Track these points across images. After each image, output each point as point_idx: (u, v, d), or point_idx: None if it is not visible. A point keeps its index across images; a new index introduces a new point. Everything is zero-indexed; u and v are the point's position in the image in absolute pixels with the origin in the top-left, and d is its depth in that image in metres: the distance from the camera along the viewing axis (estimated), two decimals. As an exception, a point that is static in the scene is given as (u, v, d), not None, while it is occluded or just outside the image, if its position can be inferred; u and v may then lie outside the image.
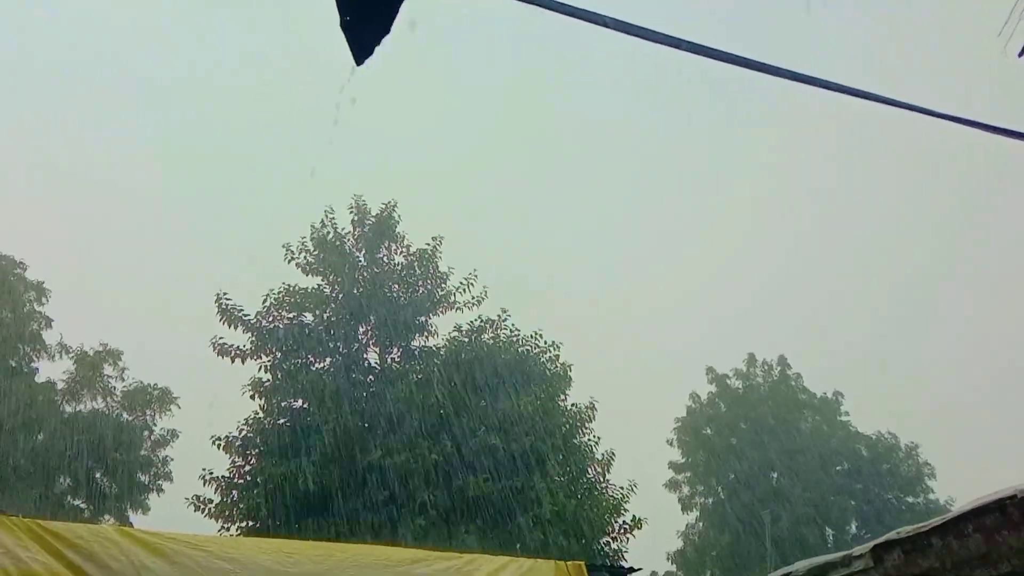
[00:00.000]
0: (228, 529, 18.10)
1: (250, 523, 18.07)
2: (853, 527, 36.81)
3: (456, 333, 19.59)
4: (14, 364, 23.31)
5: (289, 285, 19.40)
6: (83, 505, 23.25)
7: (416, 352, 19.78)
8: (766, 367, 40.11)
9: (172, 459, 24.52)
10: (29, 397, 22.31)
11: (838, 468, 37.87)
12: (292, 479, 17.54)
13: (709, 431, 39.07)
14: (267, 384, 19.01)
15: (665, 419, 40.65)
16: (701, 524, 38.14)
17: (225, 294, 18.84)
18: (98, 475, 23.08)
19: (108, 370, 24.51)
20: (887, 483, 37.66)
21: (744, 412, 38.74)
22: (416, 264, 19.96)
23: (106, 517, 23.10)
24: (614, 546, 18.88)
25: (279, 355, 18.95)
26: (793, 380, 39.85)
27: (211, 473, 18.30)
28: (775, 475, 37.60)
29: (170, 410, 24.36)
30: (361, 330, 19.73)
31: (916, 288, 61.11)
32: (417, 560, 6.80)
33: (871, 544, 6.02)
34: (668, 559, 37.09)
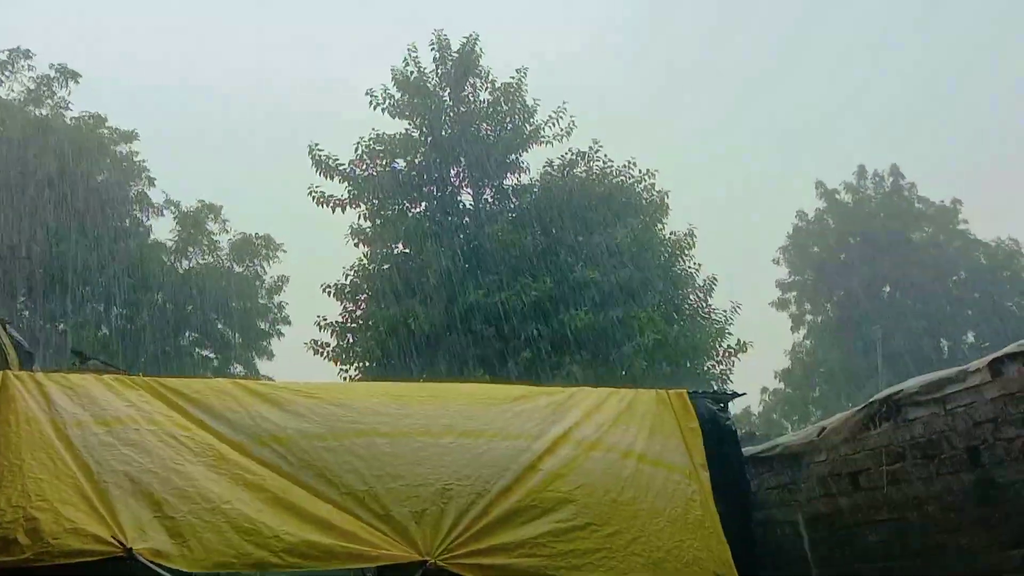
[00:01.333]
0: (347, 370, 18.82)
1: (366, 363, 18.69)
2: (970, 337, 36.00)
3: (548, 168, 19.32)
4: (127, 224, 24.30)
5: (378, 132, 19.34)
6: (211, 355, 24.77)
7: (509, 191, 19.64)
8: (877, 178, 38.49)
9: (287, 304, 25.80)
10: (144, 256, 23.30)
11: (954, 278, 36.73)
12: (401, 321, 17.89)
13: (817, 248, 38.24)
14: (368, 231, 19.33)
15: (771, 240, 40.00)
16: (809, 342, 38.02)
17: (316, 144, 18.95)
18: (220, 325, 24.40)
19: (211, 226, 25.41)
20: (1007, 291, 36.38)
21: (854, 226, 37.60)
22: (502, 99, 19.49)
23: (235, 366, 24.58)
24: (719, 369, 18.93)
25: (376, 203, 19.13)
26: (907, 191, 38.20)
27: (325, 319, 18.96)
28: (887, 289, 36.80)
29: (277, 257, 25.28)
30: (453, 172, 19.62)
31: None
32: (519, 397, 6.96)
33: (989, 358, 5.80)
34: (776, 376, 37.33)
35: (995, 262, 36.83)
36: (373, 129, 19.28)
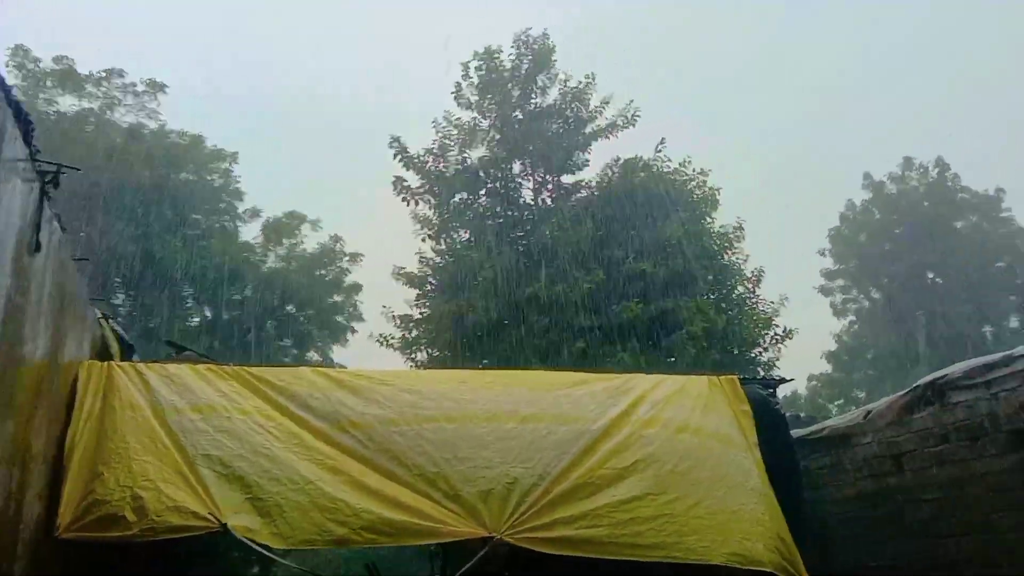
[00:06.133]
0: (413, 359, 18.98)
1: (429, 352, 18.87)
2: (1014, 322, 34.82)
3: (608, 168, 19.07)
4: (218, 227, 25.17)
5: (450, 117, 19.65)
6: (289, 344, 25.43)
7: (569, 188, 19.51)
8: (922, 169, 37.43)
9: (362, 302, 26.55)
10: (231, 256, 24.01)
11: (999, 264, 35.52)
12: (463, 312, 17.95)
13: (863, 238, 37.36)
14: (435, 222, 19.47)
15: (819, 231, 39.30)
16: (856, 327, 37.19)
17: (398, 138, 19.24)
18: (302, 319, 25.12)
19: (297, 231, 26.29)
20: (1052, 275, 35.06)
21: (900, 216, 36.64)
22: (569, 102, 19.41)
23: (311, 354, 25.24)
24: (767, 356, 18.56)
25: (444, 195, 19.23)
26: (951, 181, 37.08)
27: (392, 311, 19.15)
28: (931, 276, 35.80)
29: (358, 262, 26.13)
30: (517, 168, 19.57)
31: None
32: (578, 382, 6.97)
33: (1032, 344, 5.65)
34: (822, 357, 36.56)
35: (1038, 246, 35.55)
36: (446, 112, 19.47)
